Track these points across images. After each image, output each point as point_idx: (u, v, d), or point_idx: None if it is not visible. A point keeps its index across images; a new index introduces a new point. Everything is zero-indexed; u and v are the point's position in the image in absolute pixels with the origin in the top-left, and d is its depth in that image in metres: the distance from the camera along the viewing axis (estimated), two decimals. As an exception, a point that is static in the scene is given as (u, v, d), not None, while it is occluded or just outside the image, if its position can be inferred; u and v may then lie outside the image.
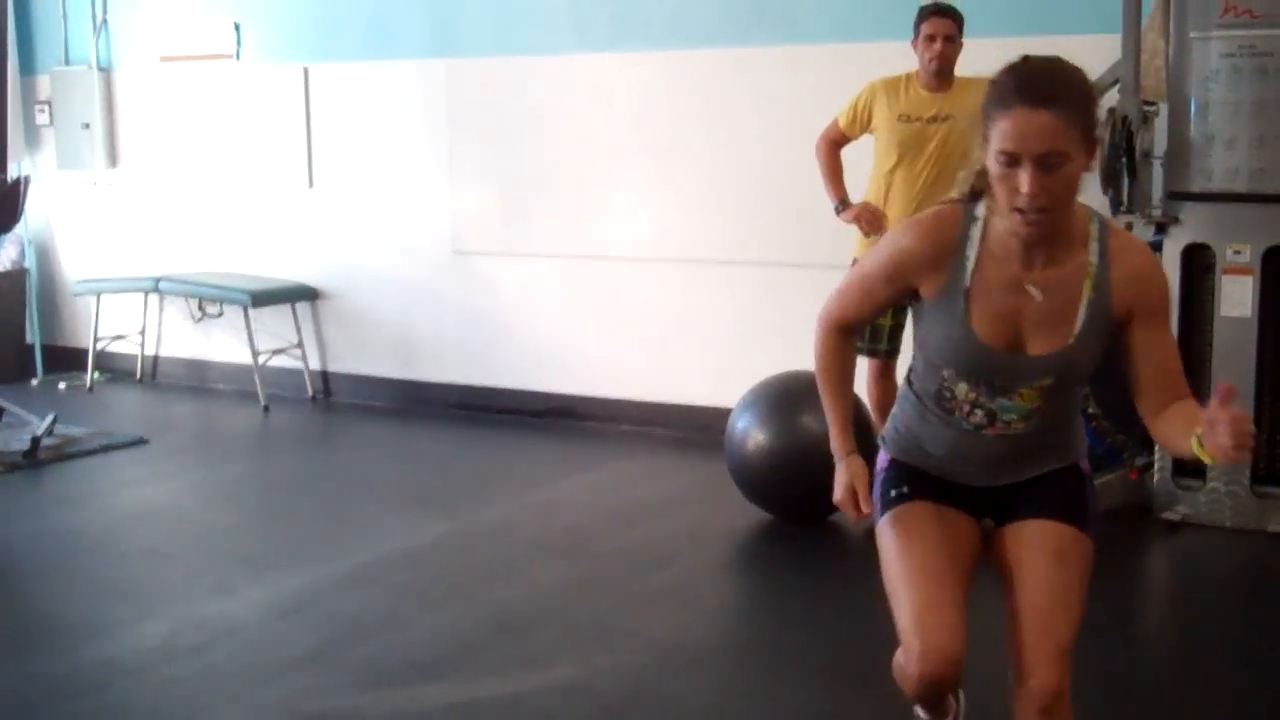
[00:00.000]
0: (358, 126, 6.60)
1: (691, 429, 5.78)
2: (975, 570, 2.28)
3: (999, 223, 2.09)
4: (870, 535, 2.39)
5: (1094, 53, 4.24)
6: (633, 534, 4.52)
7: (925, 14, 4.47)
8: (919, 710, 2.48)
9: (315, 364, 6.90)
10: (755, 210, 5.68)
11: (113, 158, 7.37)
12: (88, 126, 7.33)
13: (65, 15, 7.32)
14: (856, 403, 2.90)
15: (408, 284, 6.58)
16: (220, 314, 7.07)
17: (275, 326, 6.80)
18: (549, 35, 6.04)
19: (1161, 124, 4.47)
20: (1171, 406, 2.11)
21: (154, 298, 7.17)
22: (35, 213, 7.41)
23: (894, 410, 2.40)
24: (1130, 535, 4.42)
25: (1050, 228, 2.03)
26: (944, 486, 2.29)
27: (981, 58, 4.53)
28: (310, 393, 6.85)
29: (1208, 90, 4.35)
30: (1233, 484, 4.42)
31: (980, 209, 2.13)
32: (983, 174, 2.08)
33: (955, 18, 4.43)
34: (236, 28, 6.83)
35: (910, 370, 2.35)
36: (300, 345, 6.81)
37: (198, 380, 7.25)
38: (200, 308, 7.13)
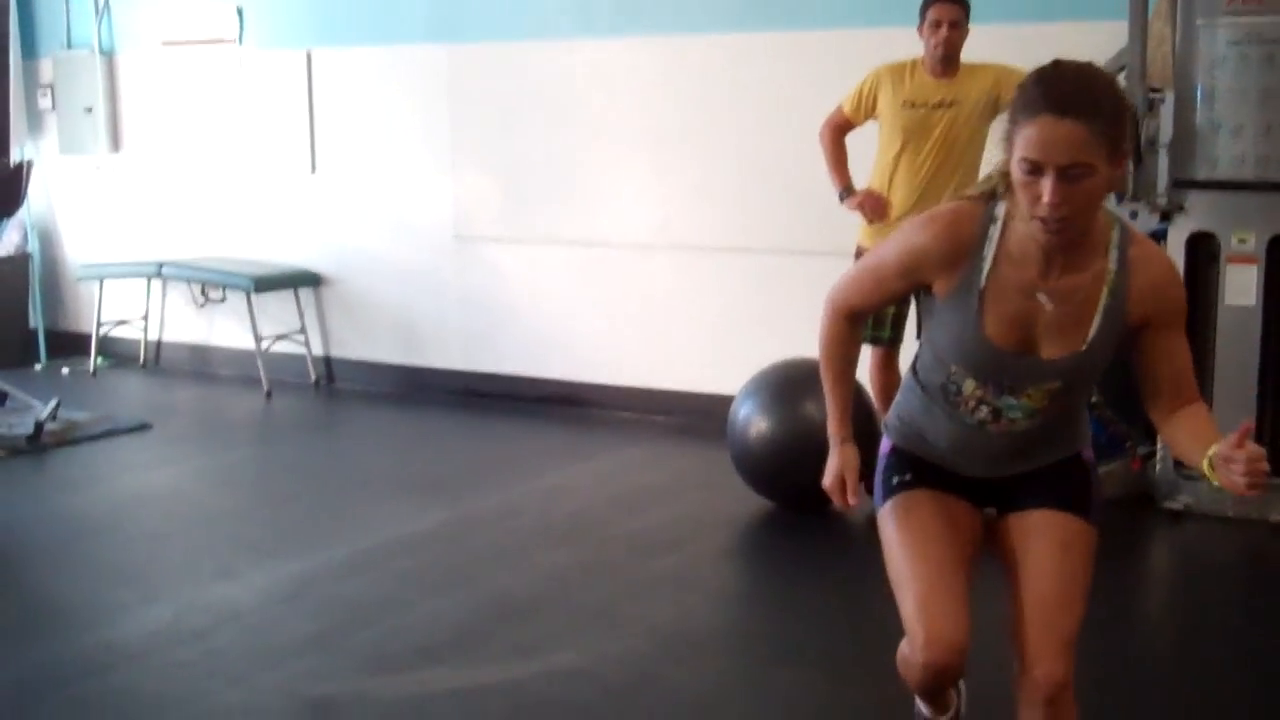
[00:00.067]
0: (360, 111, 6.59)
1: (693, 416, 5.78)
2: (978, 559, 2.28)
3: (1019, 225, 2.05)
4: (871, 523, 2.39)
5: (1100, 39, 4.23)
6: (634, 520, 4.52)
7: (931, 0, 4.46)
8: (920, 703, 2.48)
9: (318, 349, 6.90)
10: (759, 197, 5.66)
11: (115, 142, 7.36)
12: (90, 111, 7.31)
13: (68, -1, 7.32)
14: (858, 390, 2.89)
15: (410, 269, 6.58)
16: (223, 299, 7.07)
17: (278, 312, 6.80)
18: (551, 20, 6.02)
19: (1167, 111, 4.44)
20: (1182, 410, 2.10)
21: (157, 283, 7.16)
22: (38, 197, 7.40)
23: (897, 398, 2.38)
24: (1132, 525, 4.41)
25: (1071, 236, 2.00)
26: (945, 475, 2.28)
27: (988, 44, 4.55)
28: (313, 378, 6.85)
29: (1214, 78, 4.34)
30: (1236, 473, 4.41)
31: (1000, 209, 2.09)
32: (1005, 176, 2.04)
33: (962, 3, 4.40)
34: (239, 12, 6.81)
35: (916, 360, 2.33)
36: (303, 331, 6.81)
37: (200, 365, 7.25)
38: (203, 293, 7.13)
